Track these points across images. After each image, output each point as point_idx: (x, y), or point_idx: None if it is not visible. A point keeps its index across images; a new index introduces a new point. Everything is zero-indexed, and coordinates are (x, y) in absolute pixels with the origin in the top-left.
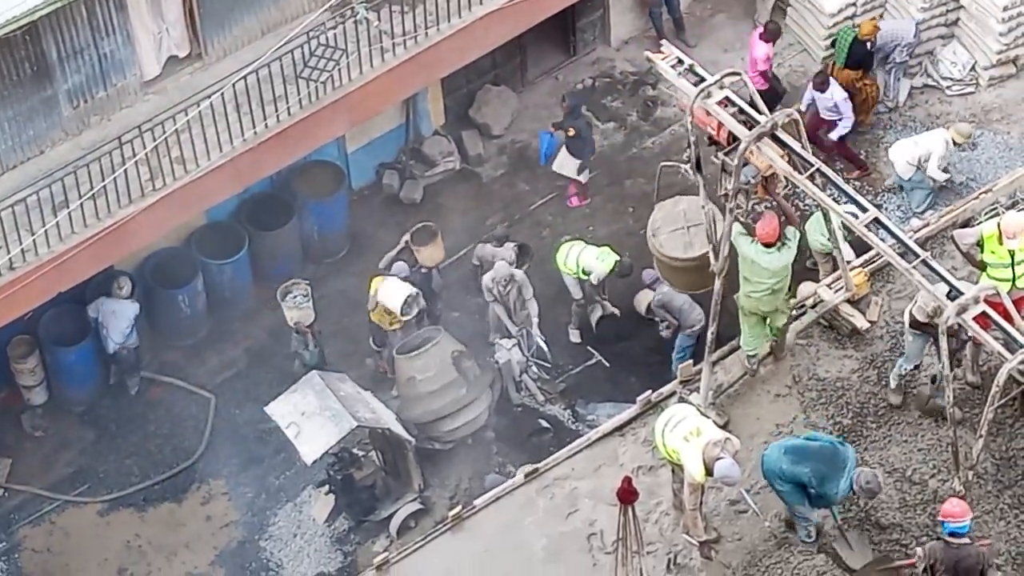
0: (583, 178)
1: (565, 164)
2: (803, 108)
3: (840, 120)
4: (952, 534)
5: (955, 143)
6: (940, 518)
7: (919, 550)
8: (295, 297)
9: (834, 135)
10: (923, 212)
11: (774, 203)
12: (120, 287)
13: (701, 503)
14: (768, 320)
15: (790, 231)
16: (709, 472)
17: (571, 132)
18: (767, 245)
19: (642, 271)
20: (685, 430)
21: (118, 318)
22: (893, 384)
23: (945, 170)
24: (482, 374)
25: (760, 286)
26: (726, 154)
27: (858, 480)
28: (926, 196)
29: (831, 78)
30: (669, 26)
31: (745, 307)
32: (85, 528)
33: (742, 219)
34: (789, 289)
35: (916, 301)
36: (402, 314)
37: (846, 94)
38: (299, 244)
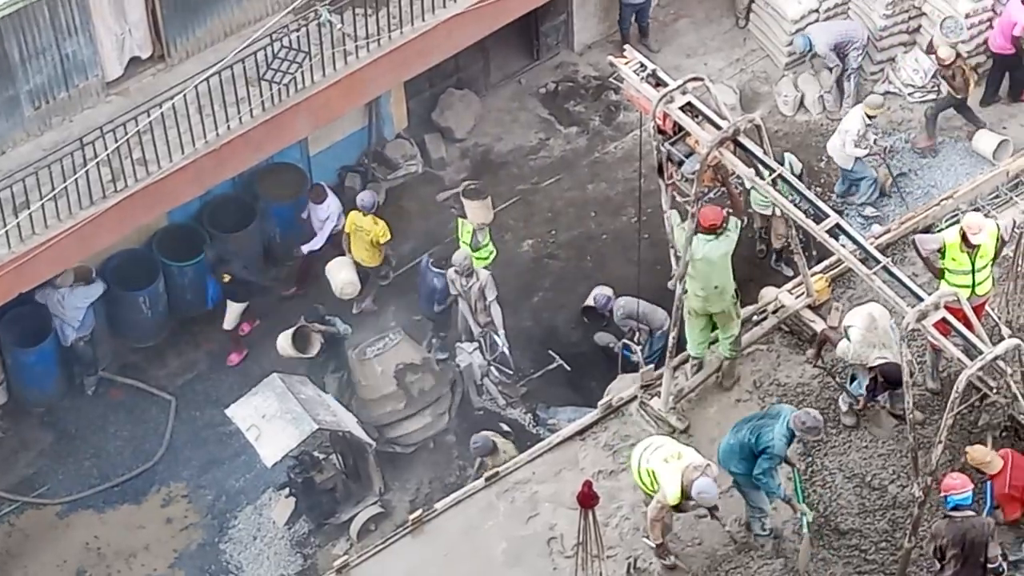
0: (229, 324)
1: (230, 317)
2: (304, 216)
3: (318, 235)
4: (955, 507)
5: (869, 117)
6: (942, 494)
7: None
8: None
9: (307, 248)
10: (865, 202)
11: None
12: (57, 278)
13: (668, 526)
14: (718, 327)
15: (732, 222)
16: (685, 495)
17: (226, 278)
18: (709, 231)
19: (595, 293)
20: (666, 453)
21: (65, 307)
22: (844, 408)
23: (888, 146)
24: (429, 390)
25: (704, 280)
26: (672, 143)
27: (795, 422)
28: (869, 186)
29: (328, 189)
30: (634, 31)
31: (694, 308)
32: (44, 530)
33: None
34: (737, 296)
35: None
36: (340, 295)
37: (341, 208)
38: (261, 246)
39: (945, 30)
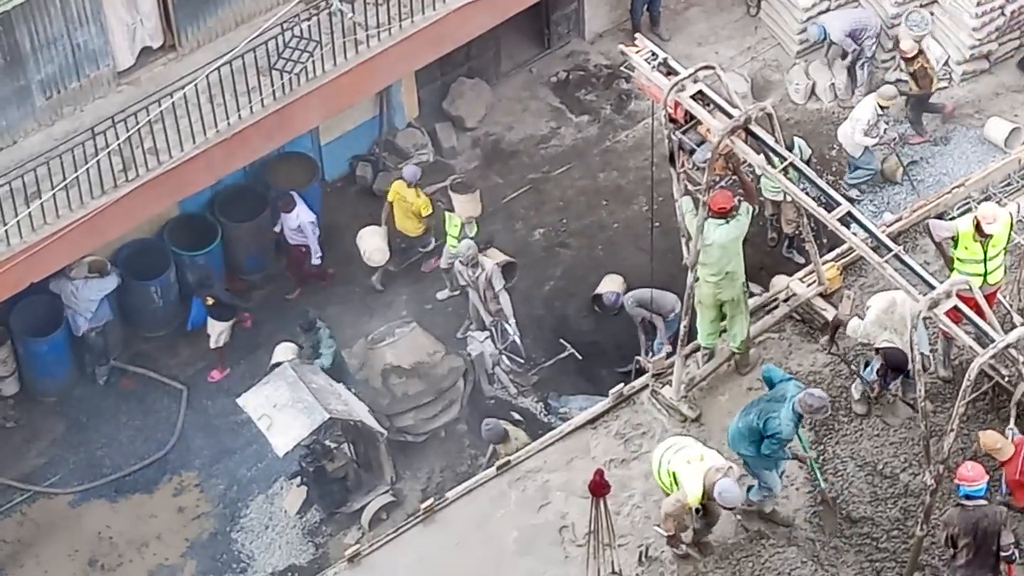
0: (215, 343)
1: (215, 336)
2: (276, 230)
3: (309, 245)
4: (967, 497)
5: (881, 107)
6: (956, 482)
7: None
8: None
9: (315, 261)
10: (853, 185)
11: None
12: (70, 270)
13: (684, 524)
14: (727, 316)
15: (743, 207)
16: (707, 496)
17: (210, 301)
18: (719, 215)
19: (604, 295)
20: (689, 455)
21: (78, 298)
22: (856, 396)
23: (903, 135)
24: (414, 394)
25: (716, 266)
26: (683, 132)
27: (801, 406)
28: (865, 175)
29: (297, 198)
30: (645, 19)
31: (704, 295)
32: (56, 519)
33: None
34: (746, 286)
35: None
36: (368, 261)
37: (313, 216)
38: (272, 236)
39: (911, 23)
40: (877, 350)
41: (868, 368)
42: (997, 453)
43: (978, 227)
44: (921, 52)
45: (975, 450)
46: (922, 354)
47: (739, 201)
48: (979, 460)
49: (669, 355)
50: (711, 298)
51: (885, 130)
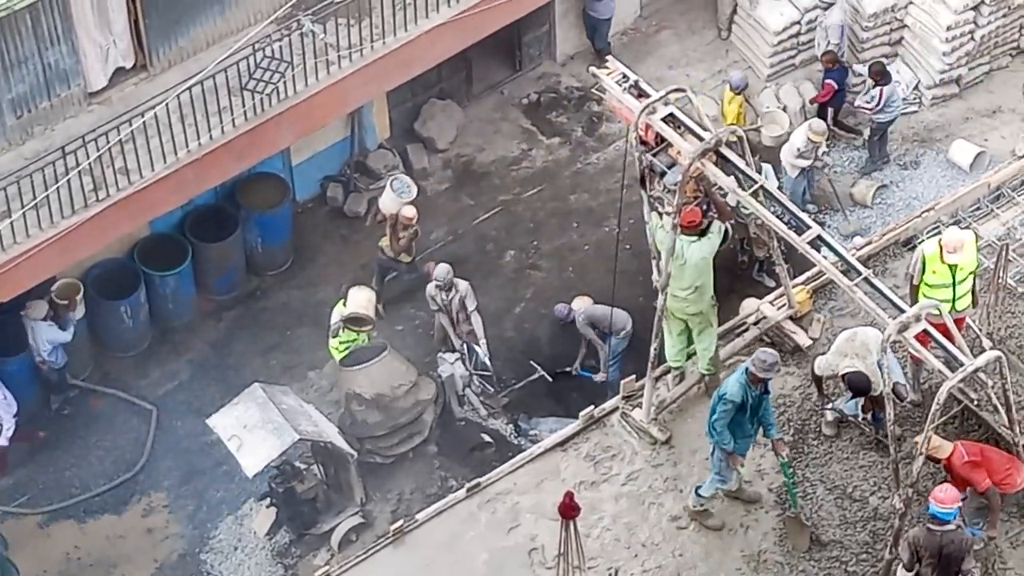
0: None
1: None
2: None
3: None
4: (934, 518)
5: (812, 140)
6: (929, 498)
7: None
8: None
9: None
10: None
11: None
12: (27, 308)
13: None
14: (694, 332)
15: (716, 226)
16: None
17: None
18: (690, 231)
19: (555, 307)
20: None
21: (36, 337)
22: (829, 417)
23: (829, 157)
24: (372, 424)
25: (685, 281)
26: (654, 155)
27: (754, 363)
28: (791, 195)
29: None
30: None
31: (672, 309)
32: (25, 539)
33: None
34: (715, 302)
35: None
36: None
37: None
38: (243, 256)
39: (397, 190)
40: (843, 377)
41: (852, 402)
42: (937, 452)
43: (943, 251)
44: (418, 220)
45: (945, 476)
46: (897, 383)
47: (711, 219)
48: (956, 482)
49: (603, 383)
50: (680, 312)
51: (825, 152)
